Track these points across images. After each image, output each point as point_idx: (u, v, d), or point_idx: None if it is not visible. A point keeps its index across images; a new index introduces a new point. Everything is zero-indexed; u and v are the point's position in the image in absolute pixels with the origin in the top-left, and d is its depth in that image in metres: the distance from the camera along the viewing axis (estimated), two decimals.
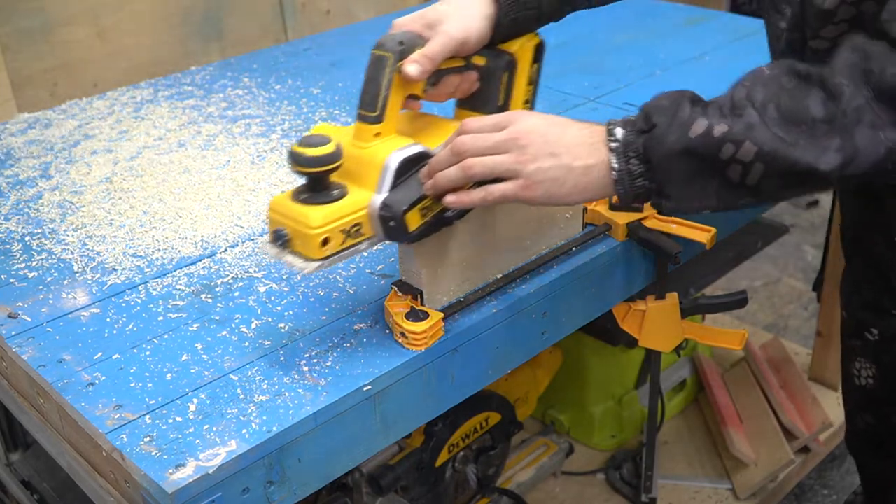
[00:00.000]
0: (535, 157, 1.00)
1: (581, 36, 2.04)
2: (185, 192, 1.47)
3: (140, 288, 1.22)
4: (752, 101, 0.96)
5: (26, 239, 1.36)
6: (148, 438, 0.95)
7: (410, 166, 1.04)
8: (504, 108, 1.17)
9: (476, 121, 1.05)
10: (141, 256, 1.30)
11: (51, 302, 1.20)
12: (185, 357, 1.08)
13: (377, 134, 1.05)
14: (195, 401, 1.00)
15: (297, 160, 0.98)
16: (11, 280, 1.26)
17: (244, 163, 1.56)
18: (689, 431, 2.21)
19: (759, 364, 2.30)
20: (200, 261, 1.28)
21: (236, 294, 1.20)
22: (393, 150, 1.04)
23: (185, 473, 0.90)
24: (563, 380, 2.10)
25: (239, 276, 1.24)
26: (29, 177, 1.55)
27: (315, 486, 1.02)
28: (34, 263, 1.29)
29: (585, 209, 1.30)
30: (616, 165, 0.99)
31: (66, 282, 1.25)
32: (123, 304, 1.19)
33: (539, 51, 1.18)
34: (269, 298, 1.19)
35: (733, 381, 2.28)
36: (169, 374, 1.05)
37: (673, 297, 1.38)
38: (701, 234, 1.29)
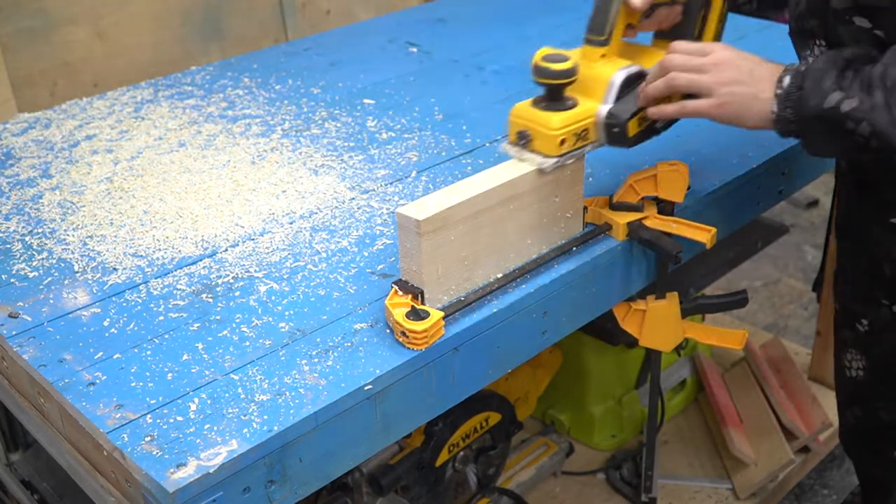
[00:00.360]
0: (729, 81, 1.16)
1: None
2: (186, 191, 1.47)
3: (141, 287, 1.22)
4: (884, 81, 1.06)
5: (27, 239, 1.36)
6: (149, 438, 0.95)
7: (631, 82, 1.22)
8: (698, 38, 1.32)
9: (684, 43, 1.22)
10: (141, 256, 1.30)
11: (51, 302, 1.20)
12: (185, 357, 1.08)
13: (603, 55, 1.23)
14: (196, 400, 1.00)
15: (542, 73, 1.15)
16: (12, 280, 1.26)
17: (244, 163, 1.56)
18: (689, 431, 2.21)
19: (759, 364, 2.30)
20: (201, 260, 1.28)
21: (237, 294, 1.20)
22: (617, 68, 1.22)
23: (186, 473, 0.90)
24: (563, 380, 2.10)
25: (239, 275, 1.24)
26: (29, 177, 1.55)
27: (316, 486, 1.02)
28: (35, 263, 1.29)
29: (586, 209, 1.30)
30: (775, 110, 1.15)
31: (66, 281, 1.25)
32: (124, 304, 1.19)
33: None
34: (269, 298, 1.19)
35: (733, 381, 2.28)
36: (170, 374, 1.05)
37: (673, 297, 1.38)
38: (701, 233, 1.29)
